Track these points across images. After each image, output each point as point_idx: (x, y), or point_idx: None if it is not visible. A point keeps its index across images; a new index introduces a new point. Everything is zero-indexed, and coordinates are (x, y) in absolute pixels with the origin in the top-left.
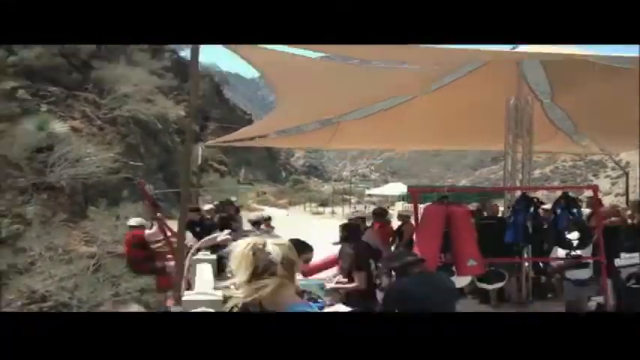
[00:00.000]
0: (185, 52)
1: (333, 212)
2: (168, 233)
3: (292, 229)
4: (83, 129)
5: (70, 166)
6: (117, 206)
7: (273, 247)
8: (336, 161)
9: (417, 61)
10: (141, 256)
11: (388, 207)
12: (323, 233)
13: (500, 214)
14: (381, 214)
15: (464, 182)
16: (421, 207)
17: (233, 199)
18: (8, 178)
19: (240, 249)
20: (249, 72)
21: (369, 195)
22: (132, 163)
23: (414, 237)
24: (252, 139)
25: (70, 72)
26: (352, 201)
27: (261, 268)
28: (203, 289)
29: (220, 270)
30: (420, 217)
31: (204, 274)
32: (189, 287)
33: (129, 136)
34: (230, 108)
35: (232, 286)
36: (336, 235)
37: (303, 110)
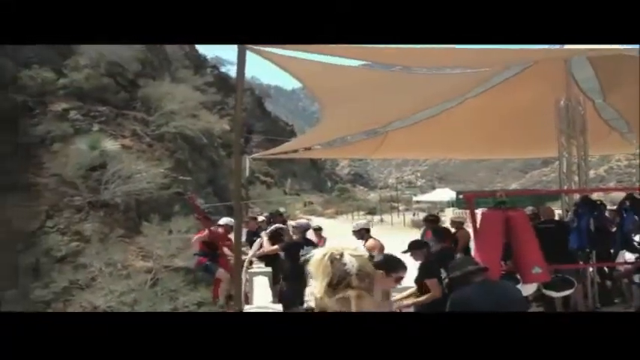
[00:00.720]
0: (226, 67)
1: (381, 220)
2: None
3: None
4: (133, 146)
5: (123, 183)
6: (169, 221)
7: (349, 258)
8: (381, 169)
9: (460, 64)
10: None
11: (437, 213)
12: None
13: (556, 218)
14: (433, 221)
15: (514, 186)
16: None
17: (282, 210)
18: (65, 197)
19: (318, 257)
20: (289, 84)
21: (417, 202)
22: (181, 178)
23: (473, 244)
24: (296, 151)
25: (117, 91)
26: (400, 208)
27: (337, 278)
28: (262, 303)
29: (275, 282)
30: (477, 224)
31: (261, 287)
32: (248, 301)
33: (177, 151)
34: (272, 120)
35: (311, 294)
36: (394, 243)
37: (347, 121)
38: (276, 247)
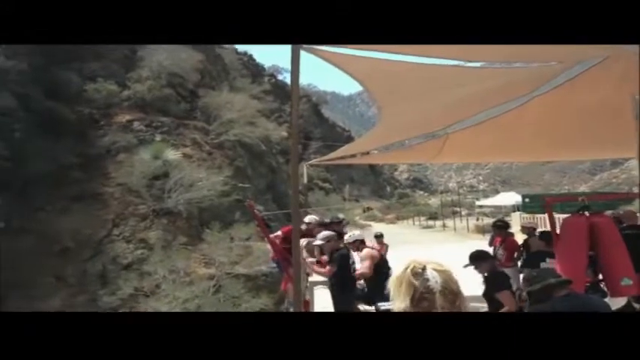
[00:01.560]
0: (283, 75)
1: (444, 225)
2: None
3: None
4: (194, 155)
5: (185, 191)
6: (230, 228)
7: (432, 273)
8: (441, 173)
9: (526, 58)
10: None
11: (503, 218)
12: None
13: None
14: (502, 227)
15: (582, 188)
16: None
17: (341, 216)
18: (130, 206)
19: (399, 272)
20: (345, 89)
21: (480, 206)
22: (241, 185)
23: (556, 254)
24: (353, 156)
25: (178, 102)
26: (462, 213)
27: (418, 295)
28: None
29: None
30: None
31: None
32: (308, 308)
33: (236, 159)
34: (330, 126)
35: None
36: (460, 251)
37: (407, 123)
38: (327, 269)
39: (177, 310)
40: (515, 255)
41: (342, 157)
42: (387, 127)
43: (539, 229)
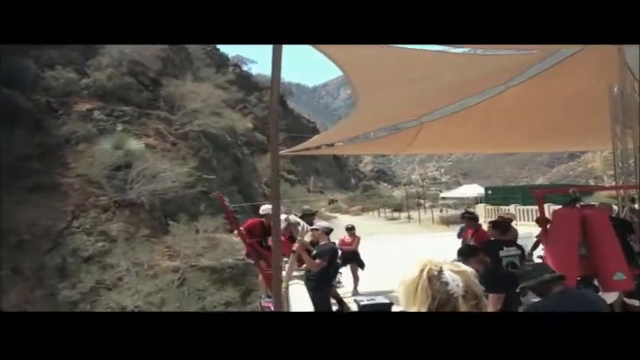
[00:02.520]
0: (248, 65)
1: (409, 217)
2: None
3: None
4: (157, 145)
5: (148, 183)
6: (196, 220)
7: (451, 275)
8: (404, 165)
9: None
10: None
11: (467, 210)
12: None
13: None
14: (474, 219)
15: (540, 181)
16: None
17: (314, 210)
18: (90, 197)
19: (413, 275)
20: (310, 81)
21: (443, 198)
22: (206, 176)
23: (544, 248)
24: (329, 146)
25: (140, 90)
26: (426, 205)
27: (437, 302)
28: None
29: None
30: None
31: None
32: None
33: (201, 150)
34: (295, 118)
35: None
36: (430, 242)
37: (384, 112)
38: (318, 262)
39: (140, 303)
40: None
41: (315, 147)
42: (363, 116)
43: (489, 219)
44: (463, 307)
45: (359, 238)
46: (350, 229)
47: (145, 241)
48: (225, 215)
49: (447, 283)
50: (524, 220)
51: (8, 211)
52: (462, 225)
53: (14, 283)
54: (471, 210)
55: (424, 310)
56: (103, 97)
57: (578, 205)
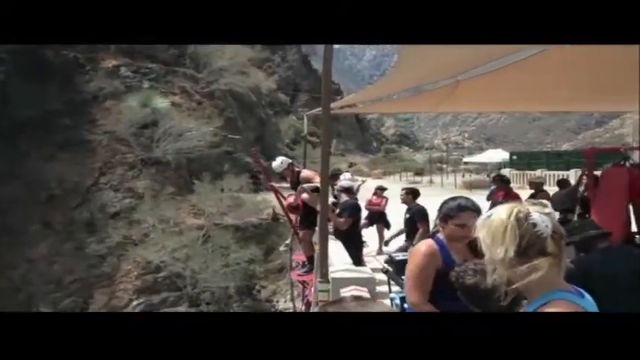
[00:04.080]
0: None
1: (430, 181)
2: (284, 202)
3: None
4: (183, 104)
5: (174, 141)
6: (220, 179)
7: (540, 217)
8: (427, 129)
9: None
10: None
11: (489, 174)
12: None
13: None
14: (506, 181)
15: (565, 147)
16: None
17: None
18: (117, 154)
19: (501, 217)
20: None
21: (466, 163)
22: (231, 136)
23: (592, 206)
24: (351, 106)
25: (166, 48)
26: (448, 170)
27: (525, 243)
28: (344, 266)
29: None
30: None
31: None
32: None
33: (226, 109)
34: (318, 78)
35: (490, 262)
36: None
37: (420, 70)
38: (343, 220)
39: (166, 258)
40: None
41: (348, 106)
42: (401, 74)
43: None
44: (551, 247)
45: (387, 199)
46: (380, 190)
47: (170, 199)
48: (261, 171)
49: (535, 224)
50: (550, 185)
51: (39, 166)
52: (492, 187)
53: (45, 236)
54: (502, 172)
55: (512, 248)
56: (129, 53)
57: (627, 164)
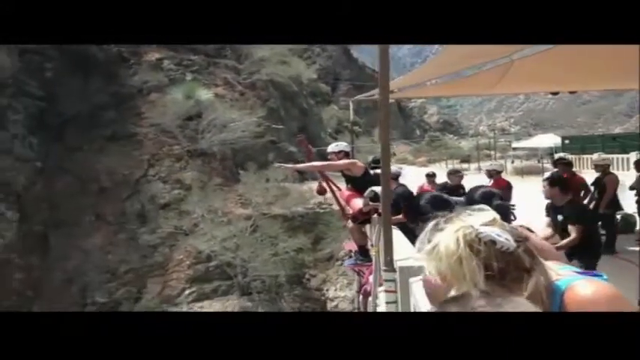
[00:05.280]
0: None
1: (479, 168)
2: (334, 188)
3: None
4: (226, 95)
5: (219, 132)
6: (265, 169)
7: (493, 230)
8: (471, 116)
9: None
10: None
11: (539, 160)
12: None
13: None
14: (568, 164)
15: (617, 130)
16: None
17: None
18: (164, 146)
19: (447, 249)
20: None
21: (514, 148)
22: (274, 126)
23: None
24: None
25: None
26: (496, 156)
27: (496, 268)
28: (409, 254)
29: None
30: None
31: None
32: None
33: (269, 99)
34: (359, 67)
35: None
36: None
37: (473, 50)
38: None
39: (216, 248)
40: (582, 194)
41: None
42: (452, 55)
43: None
44: (526, 260)
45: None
46: (430, 176)
47: (217, 190)
48: (308, 158)
49: (493, 241)
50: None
51: (89, 159)
52: (553, 171)
53: (99, 228)
54: (565, 157)
55: (480, 280)
56: (172, 46)
57: None
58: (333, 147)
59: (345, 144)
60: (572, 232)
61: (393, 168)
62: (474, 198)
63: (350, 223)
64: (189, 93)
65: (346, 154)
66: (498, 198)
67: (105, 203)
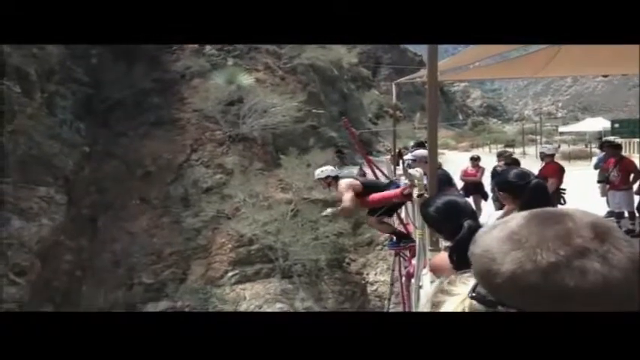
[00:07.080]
0: None
1: (524, 153)
2: (377, 172)
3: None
4: (267, 80)
5: (260, 117)
6: (306, 154)
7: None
8: (516, 100)
9: None
10: None
11: (587, 145)
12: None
13: None
14: (617, 147)
15: None
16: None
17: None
18: (206, 131)
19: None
20: None
21: (561, 133)
22: (315, 111)
23: None
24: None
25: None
26: (542, 141)
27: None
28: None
29: None
30: None
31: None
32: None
33: (309, 84)
34: (400, 51)
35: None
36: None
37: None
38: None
39: (258, 232)
40: (632, 177)
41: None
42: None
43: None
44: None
45: (483, 169)
46: (474, 160)
47: (258, 174)
48: (353, 141)
49: (468, 277)
50: None
51: (134, 144)
52: (601, 155)
53: (143, 211)
54: (612, 140)
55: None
56: None
57: None
58: (318, 173)
59: (331, 168)
60: None
61: (421, 152)
62: (508, 179)
63: (369, 219)
64: (230, 78)
65: (334, 178)
66: (533, 177)
67: (150, 187)
